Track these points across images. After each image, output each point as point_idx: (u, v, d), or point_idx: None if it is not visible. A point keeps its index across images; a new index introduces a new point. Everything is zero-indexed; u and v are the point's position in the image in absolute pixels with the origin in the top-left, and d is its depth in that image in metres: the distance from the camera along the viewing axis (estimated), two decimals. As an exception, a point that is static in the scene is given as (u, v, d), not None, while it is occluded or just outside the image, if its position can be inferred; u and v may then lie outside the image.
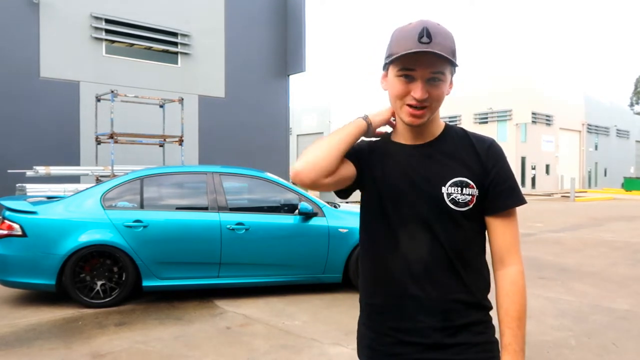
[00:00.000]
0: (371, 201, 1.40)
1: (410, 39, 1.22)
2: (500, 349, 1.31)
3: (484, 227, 1.36)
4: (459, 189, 1.30)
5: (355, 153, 1.41)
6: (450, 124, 1.41)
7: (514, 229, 1.35)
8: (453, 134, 1.38)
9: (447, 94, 1.32)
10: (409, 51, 1.21)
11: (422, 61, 1.23)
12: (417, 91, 1.25)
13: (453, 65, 1.27)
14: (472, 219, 1.33)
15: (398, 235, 1.33)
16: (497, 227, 1.34)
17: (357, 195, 1.52)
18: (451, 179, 1.31)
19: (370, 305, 1.41)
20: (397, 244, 1.33)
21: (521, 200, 1.35)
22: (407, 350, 1.33)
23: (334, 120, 33.61)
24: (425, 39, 1.21)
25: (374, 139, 1.47)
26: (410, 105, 1.28)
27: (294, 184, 1.29)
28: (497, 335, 1.36)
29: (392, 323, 1.34)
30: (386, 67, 1.33)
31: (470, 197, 1.31)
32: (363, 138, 1.44)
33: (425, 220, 1.31)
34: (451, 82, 1.33)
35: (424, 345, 1.31)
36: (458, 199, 1.30)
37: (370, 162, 1.40)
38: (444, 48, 1.22)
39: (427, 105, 1.28)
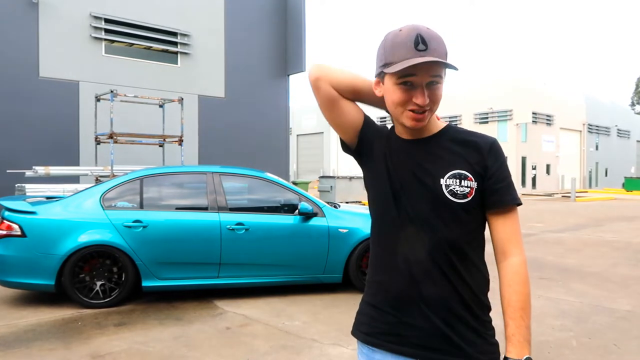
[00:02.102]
0: (378, 189, 1.43)
1: (407, 48, 1.26)
2: (503, 348, 1.30)
3: (483, 221, 1.38)
4: (458, 180, 1.33)
5: (369, 122, 1.48)
6: (452, 124, 1.43)
7: (515, 222, 1.36)
8: (454, 130, 1.42)
9: None
10: (412, 63, 1.23)
11: (422, 68, 1.26)
12: (419, 97, 1.28)
13: (450, 67, 1.30)
14: (471, 212, 1.34)
15: (400, 226, 1.36)
16: (497, 221, 1.35)
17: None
18: (450, 171, 1.34)
19: (377, 282, 1.42)
20: (399, 234, 1.37)
21: (517, 200, 1.37)
22: (407, 332, 1.33)
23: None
24: (421, 46, 1.25)
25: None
26: (412, 110, 1.31)
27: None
28: (497, 337, 1.35)
29: (395, 302, 1.36)
30: (381, 74, 1.34)
31: (469, 189, 1.33)
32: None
33: (424, 212, 1.33)
34: None
35: (424, 331, 1.31)
36: (456, 191, 1.32)
37: (379, 145, 1.44)
38: (440, 53, 1.27)
39: (428, 109, 1.31)
